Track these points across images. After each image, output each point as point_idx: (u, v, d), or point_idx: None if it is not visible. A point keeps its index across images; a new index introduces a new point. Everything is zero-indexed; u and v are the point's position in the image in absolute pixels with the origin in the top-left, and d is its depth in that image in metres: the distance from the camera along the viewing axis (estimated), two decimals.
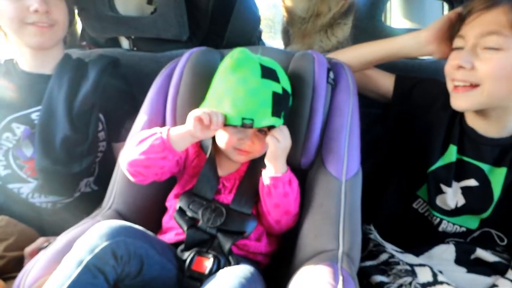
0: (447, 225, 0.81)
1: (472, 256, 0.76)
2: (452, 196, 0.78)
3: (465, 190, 0.77)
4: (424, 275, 0.68)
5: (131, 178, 0.70)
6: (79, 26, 1.33)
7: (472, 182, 0.77)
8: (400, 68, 0.97)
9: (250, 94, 0.65)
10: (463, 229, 0.80)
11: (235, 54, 0.67)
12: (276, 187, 0.67)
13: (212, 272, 0.62)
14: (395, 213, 0.86)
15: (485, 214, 0.77)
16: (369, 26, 1.00)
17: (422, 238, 0.82)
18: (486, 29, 0.67)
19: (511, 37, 0.65)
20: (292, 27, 1.44)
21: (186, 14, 1.05)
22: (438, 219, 0.81)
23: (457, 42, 0.73)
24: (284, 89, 0.69)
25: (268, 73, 0.67)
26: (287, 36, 1.49)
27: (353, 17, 1.06)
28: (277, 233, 0.74)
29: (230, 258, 0.65)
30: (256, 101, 0.65)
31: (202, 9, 1.15)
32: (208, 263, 0.63)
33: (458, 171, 0.77)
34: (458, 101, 0.72)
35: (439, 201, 0.79)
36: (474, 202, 0.77)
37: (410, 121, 0.85)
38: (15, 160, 0.88)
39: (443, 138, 0.78)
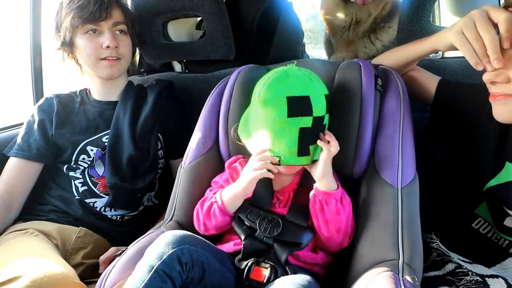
0: None
1: None
2: None
3: None
4: (498, 287, 0.62)
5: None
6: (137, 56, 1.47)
7: None
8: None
9: (277, 135, 0.68)
10: None
11: (261, 93, 0.69)
12: (329, 204, 0.68)
13: (270, 281, 0.64)
14: (452, 232, 0.78)
15: None
16: (416, 28, 0.97)
17: (487, 258, 0.72)
18: None
19: None
20: (334, 36, 1.43)
21: (232, 35, 1.12)
22: (507, 242, 0.72)
23: None
24: (315, 120, 0.68)
25: (296, 108, 0.67)
26: (330, 46, 1.49)
27: (399, 20, 1.03)
28: (330, 250, 0.73)
29: (287, 268, 0.66)
30: (283, 142, 0.68)
31: (247, 28, 1.21)
32: (266, 272, 0.65)
33: None
34: (499, 110, 0.62)
35: (508, 222, 0.70)
36: None
37: (455, 131, 0.76)
38: (90, 178, 0.99)
39: (494, 154, 0.69)
